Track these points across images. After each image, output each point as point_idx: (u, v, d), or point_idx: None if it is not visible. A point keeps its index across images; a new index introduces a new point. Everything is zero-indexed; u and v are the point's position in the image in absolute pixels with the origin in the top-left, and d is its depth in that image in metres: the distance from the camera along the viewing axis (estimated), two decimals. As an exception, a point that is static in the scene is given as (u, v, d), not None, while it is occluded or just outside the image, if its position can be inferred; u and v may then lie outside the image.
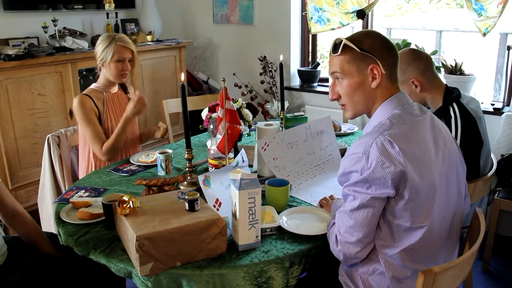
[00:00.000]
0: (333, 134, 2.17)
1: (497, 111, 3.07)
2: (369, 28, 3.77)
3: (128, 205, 1.44)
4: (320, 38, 4.20)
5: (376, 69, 1.39)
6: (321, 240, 1.55)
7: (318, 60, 4.19)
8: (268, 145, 1.98)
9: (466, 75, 3.12)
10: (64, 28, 3.59)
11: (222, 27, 4.45)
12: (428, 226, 1.36)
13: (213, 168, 1.90)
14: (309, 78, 4.06)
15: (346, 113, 1.52)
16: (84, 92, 2.40)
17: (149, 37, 4.10)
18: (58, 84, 3.27)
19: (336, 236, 1.41)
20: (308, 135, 2.10)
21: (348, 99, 1.47)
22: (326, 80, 4.01)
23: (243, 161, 1.73)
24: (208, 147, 2.15)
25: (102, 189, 1.99)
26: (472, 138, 1.91)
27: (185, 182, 1.91)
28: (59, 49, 3.31)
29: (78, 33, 3.60)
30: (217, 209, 1.55)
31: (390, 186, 1.29)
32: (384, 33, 3.84)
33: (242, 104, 2.18)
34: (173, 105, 3.23)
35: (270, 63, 4.02)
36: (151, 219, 1.41)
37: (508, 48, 3.03)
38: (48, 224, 2.45)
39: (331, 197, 1.80)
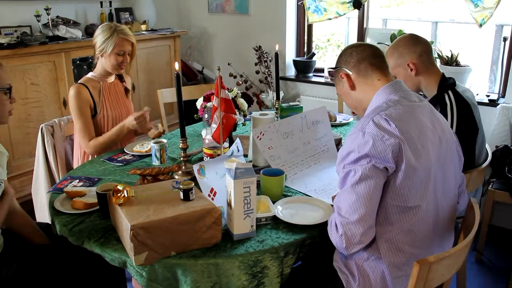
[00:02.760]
0: (328, 124, 2.17)
1: (492, 103, 3.07)
2: (365, 19, 3.75)
3: (123, 195, 1.43)
4: (315, 28, 4.17)
5: (342, 73, 1.57)
6: (316, 230, 1.55)
7: (313, 50, 4.17)
8: (263, 134, 1.97)
9: (462, 66, 3.12)
10: (57, 17, 3.55)
11: (217, 17, 4.42)
12: (423, 207, 1.38)
13: (208, 157, 1.90)
14: (304, 68, 4.04)
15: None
16: (81, 81, 2.38)
17: (143, 27, 4.07)
18: (52, 74, 3.24)
19: (335, 222, 1.40)
20: (304, 125, 2.10)
21: (350, 107, 1.64)
22: (321, 70, 4.00)
23: (238, 151, 1.72)
24: (203, 137, 2.13)
25: (96, 179, 1.97)
26: (467, 125, 1.92)
27: (180, 172, 1.90)
28: (52, 38, 3.28)
29: (71, 22, 3.56)
30: (212, 199, 1.54)
31: (391, 160, 1.32)
32: (379, 24, 3.85)
33: (237, 93, 2.17)
34: (167, 95, 3.21)
35: (265, 53, 4.00)
36: (145, 208, 1.40)
37: (504, 39, 3.03)
38: (42, 215, 2.44)
39: None
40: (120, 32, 2.32)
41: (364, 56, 1.53)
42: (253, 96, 4.10)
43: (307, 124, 2.11)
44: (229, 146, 1.89)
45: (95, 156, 2.33)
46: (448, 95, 1.95)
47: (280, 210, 1.65)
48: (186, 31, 4.37)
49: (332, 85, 3.80)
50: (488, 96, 3.18)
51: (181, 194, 1.45)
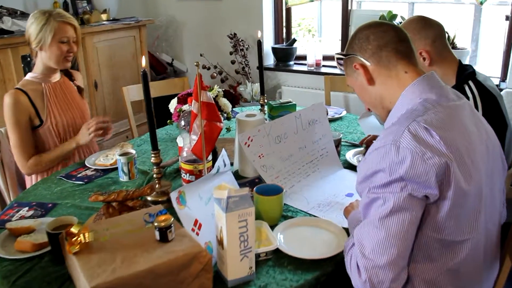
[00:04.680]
0: (327, 123, 1.85)
1: (494, 87, 2.82)
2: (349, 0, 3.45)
3: (79, 240, 1.07)
4: (295, 12, 3.84)
5: (357, 63, 1.23)
6: (330, 264, 1.24)
7: (293, 36, 3.84)
8: (252, 140, 1.64)
9: (459, 49, 2.86)
10: (1, 7, 3.10)
11: (186, 3, 4.05)
12: (473, 240, 1.08)
13: (187, 174, 1.54)
14: (284, 56, 3.72)
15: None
16: (18, 85, 1.99)
17: (104, 16, 3.65)
18: (-3, 74, 2.81)
19: (357, 263, 1.08)
20: (299, 126, 1.77)
21: (367, 104, 1.31)
22: (303, 57, 3.68)
23: (225, 165, 1.39)
24: (179, 145, 1.79)
25: (50, 205, 1.61)
26: (495, 119, 1.62)
27: (154, 193, 1.56)
28: (-5, 32, 2.84)
29: (18, 13, 3.11)
30: (197, 234, 1.20)
31: (434, 185, 1.00)
32: (354, 6, 3.57)
33: (219, 92, 1.81)
34: (134, 92, 2.83)
35: (241, 40, 3.66)
36: (110, 257, 1.05)
37: (507, 18, 2.76)
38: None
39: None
40: (57, 15, 1.95)
41: (386, 41, 1.18)
42: (230, 88, 3.75)
43: (302, 124, 1.78)
44: (213, 160, 1.56)
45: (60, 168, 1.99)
46: (469, 86, 1.65)
47: (282, 239, 1.33)
48: (152, 20, 3.97)
49: (316, 73, 3.49)
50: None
51: (157, 233, 1.10)
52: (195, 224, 1.21)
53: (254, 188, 1.45)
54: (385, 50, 1.18)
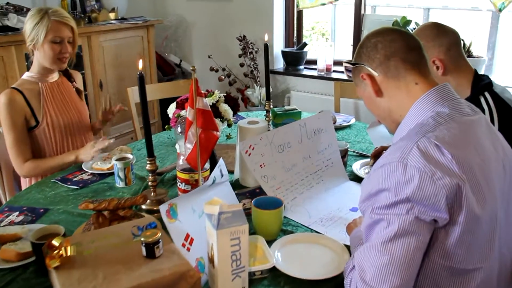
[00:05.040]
0: (333, 133, 1.77)
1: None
2: (363, 4, 3.35)
3: (59, 253, 1.01)
4: (306, 15, 3.76)
5: (364, 74, 1.15)
6: (330, 285, 1.16)
7: (304, 40, 3.75)
8: (253, 149, 1.56)
9: (475, 57, 2.75)
10: (8, 3, 3.05)
11: (195, 3, 3.98)
12: (486, 268, 0.99)
13: (183, 183, 1.47)
14: (294, 60, 3.64)
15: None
16: (14, 85, 1.93)
17: (112, 15, 3.60)
18: (0, 71, 2.76)
19: (357, 287, 1.00)
20: (303, 135, 1.69)
21: (376, 116, 1.23)
22: (314, 62, 3.59)
23: (222, 176, 1.32)
24: (178, 151, 1.72)
25: (41, 210, 1.55)
26: None
27: (148, 201, 1.49)
28: (0, 29, 2.80)
29: (24, 9, 3.07)
30: (188, 249, 1.13)
31: (444, 209, 0.92)
32: (368, 10, 3.49)
33: (220, 97, 1.73)
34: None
35: (251, 43, 3.58)
36: (92, 274, 0.98)
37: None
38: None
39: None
40: (53, 14, 1.88)
41: (395, 50, 1.09)
42: (238, 92, 3.68)
43: (307, 133, 1.70)
44: (211, 168, 1.48)
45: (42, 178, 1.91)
46: (484, 97, 1.56)
47: (279, 256, 1.25)
48: (161, 20, 3.91)
49: (326, 79, 3.41)
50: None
51: (144, 249, 1.03)
52: (186, 239, 1.14)
53: (253, 202, 1.37)
54: (393, 60, 1.09)
